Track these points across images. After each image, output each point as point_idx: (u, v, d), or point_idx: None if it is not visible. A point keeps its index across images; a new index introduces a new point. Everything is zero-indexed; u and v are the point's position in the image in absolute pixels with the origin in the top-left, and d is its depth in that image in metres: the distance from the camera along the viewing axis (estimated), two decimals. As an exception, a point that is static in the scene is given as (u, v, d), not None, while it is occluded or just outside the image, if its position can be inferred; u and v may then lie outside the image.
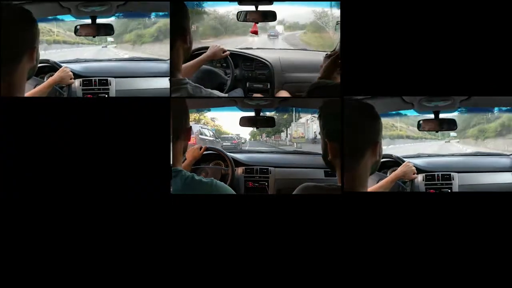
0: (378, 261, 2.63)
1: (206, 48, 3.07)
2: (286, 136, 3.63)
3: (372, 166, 2.38)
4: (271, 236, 2.64)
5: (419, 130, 3.07)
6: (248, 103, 3.15)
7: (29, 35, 2.56)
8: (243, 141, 3.55)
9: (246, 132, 3.53)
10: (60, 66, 2.97)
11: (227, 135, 3.53)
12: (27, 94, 2.74)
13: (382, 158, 2.92)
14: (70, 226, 2.62)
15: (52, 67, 2.97)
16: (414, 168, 3.01)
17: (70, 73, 2.95)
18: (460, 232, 2.64)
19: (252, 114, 3.22)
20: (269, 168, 3.28)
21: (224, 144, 3.54)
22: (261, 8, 2.93)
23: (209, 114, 3.51)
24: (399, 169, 2.99)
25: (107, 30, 3.01)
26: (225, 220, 2.64)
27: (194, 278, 2.63)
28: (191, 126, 2.50)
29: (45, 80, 2.92)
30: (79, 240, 2.62)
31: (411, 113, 3.06)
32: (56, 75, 2.92)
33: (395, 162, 3.04)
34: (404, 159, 3.06)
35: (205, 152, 3.25)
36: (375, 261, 2.63)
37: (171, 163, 2.42)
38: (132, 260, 2.62)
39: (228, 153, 3.27)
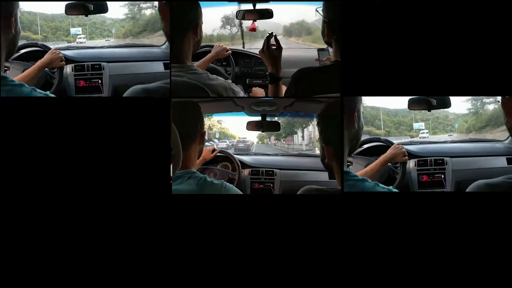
0: (378, 260, 2.60)
1: (208, 46, 3.09)
2: (303, 139, 3.60)
3: (351, 138, 2.27)
4: (270, 235, 2.62)
5: (409, 109, 2.96)
6: (255, 109, 3.19)
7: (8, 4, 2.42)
8: (250, 144, 3.61)
9: (253, 135, 3.54)
10: (50, 49, 2.82)
11: (240, 139, 3.57)
12: (15, 79, 2.61)
13: (371, 142, 2.90)
14: (71, 226, 2.60)
15: (42, 51, 2.82)
16: (404, 150, 2.88)
17: (61, 55, 2.80)
18: (461, 232, 2.60)
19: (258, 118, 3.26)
20: (275, 170, 3.30)
21: (239, 145, 3.59)
22: (259, 6, 3.03)
23: (216, 117, 3.58)
24: (388, 152, 2.87)
25: (100, 8, 2.84)
26: (225, 220, 2.63)
27: (195, 278, 2.61)
28: (205, 131, 2.52)
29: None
30: (80, 240, 2.60)
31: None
32: (46, 57, 2.77)
33: (385, 147, 2.91)
34: (394, 142, 2.95)
35: None
36: (374, 261, 2.60)
37: (186, 164, 2.38)
38: (134, 260, 2.60)
39: (235, 156, 3.31)
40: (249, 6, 3.04)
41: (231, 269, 2.62)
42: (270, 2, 3.00)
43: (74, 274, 2.59)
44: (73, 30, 3.03)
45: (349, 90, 2.61)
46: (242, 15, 3.09)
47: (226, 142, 3.54)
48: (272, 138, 3.54)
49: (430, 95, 2.80)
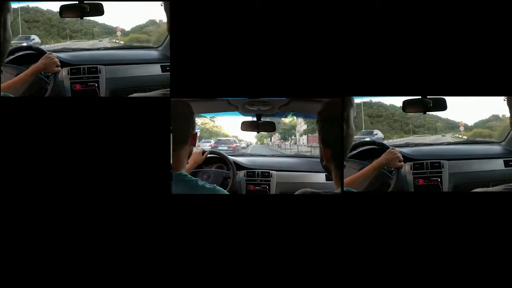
0: (374, 261, 2.61)
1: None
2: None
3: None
4: (270, 235, 2.63)
5: (405, 112, 2.85)
6: (249, 108, 3.16)
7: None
8: (243, 145, 3.51)
9: (252, 135, 3.45)
10: (45, 52, 2.72)
11: (223, 137, 3.47)
12: (5, 84, 2.61)
13: (365, 145, 2.87)
14: (71, 225, 2.62)
15: (37, 54, 2.72)
16: (399, 155, 2.79)
17: (56, 60, 2.71)
18: (460, 231, 2.61)
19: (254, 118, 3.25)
20: (271, 171, 3.22)
21: (220, 148, 3.49)
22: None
23: (209, 115, 3.46)
24: (383, 156, 2.78)
25: (96, 10, 2.73)
26: (224, 220, 2.64)
27: (194, 277, 2.62)
28: (196, 132, 2.49)
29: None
30: (80, 239, 2.62)
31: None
32: (40, 62, 2.68)
33: (380, 150, 2.82)
34: (390, 146, 2.85)
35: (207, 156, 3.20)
36: (371, 261, 2.61)
37: (176, 167, 2.41)
38: (133, 259, 2.62)
39: (229, 157, 3.23)
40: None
41: (230, 269, 2.64)
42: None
43: (74, 273, 2.60)
44: None
45: (349, 90, 2.62)
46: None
47: (210, 142, 3.42)
48: (275, 137, 3.39)
49: (429, 95, 2.75)
